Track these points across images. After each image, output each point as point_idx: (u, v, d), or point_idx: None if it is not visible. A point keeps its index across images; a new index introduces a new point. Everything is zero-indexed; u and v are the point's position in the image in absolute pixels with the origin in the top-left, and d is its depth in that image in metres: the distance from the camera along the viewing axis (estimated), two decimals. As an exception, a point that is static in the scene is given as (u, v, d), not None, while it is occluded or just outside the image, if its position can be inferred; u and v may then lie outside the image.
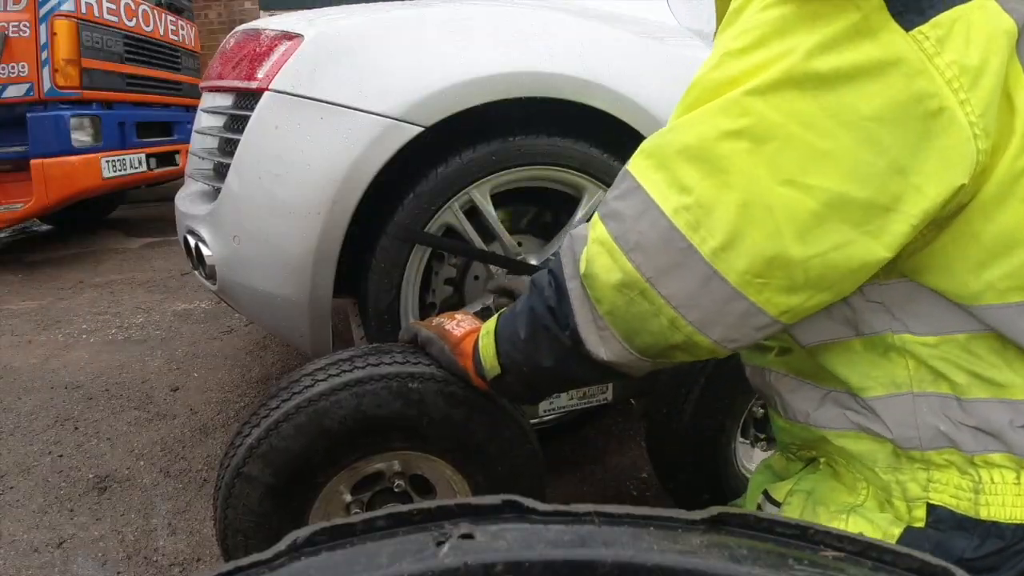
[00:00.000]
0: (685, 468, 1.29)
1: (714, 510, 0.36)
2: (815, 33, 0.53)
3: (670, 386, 1.27)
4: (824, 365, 0.68)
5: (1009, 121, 0.55)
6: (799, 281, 0.56)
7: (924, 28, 0.52)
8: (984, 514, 0.60)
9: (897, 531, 0.64)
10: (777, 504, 0.76)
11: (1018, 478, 0.61)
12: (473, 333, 0.87)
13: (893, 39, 0.52)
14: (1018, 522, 0.60)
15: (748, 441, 1.36)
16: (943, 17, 0.52)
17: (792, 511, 0.73)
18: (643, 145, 0.63)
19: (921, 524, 0.63)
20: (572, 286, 0.67)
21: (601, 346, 0.67)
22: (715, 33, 0.74)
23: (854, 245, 0.55)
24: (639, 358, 0.67)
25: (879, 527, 0.65)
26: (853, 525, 0.66)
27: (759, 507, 0.80)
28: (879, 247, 0.55)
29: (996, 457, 0.61)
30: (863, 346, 0.65)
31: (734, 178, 0.55)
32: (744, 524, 0.36)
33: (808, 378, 0.72)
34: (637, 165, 0.62)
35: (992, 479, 0.61)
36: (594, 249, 0.64)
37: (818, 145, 0.53)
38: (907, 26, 0.52)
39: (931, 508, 0.63)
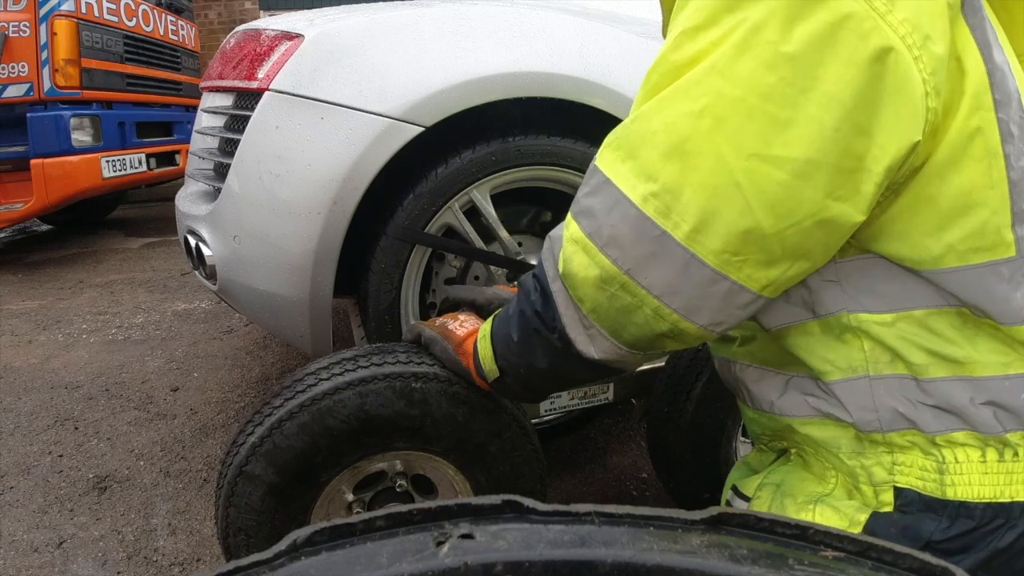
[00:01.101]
0: (685, 468, 1.29)
1: (714, 510, 0.36)
2: (764, 3, 0.53)
3: (670, 386, 1.27)
4: (787, 349, 0.68)
5: (960, 83, 0.55)
6: (776, 253, 0.57)
7: None
8: (951, 494, 0.60)
9: (863, 517, 0.63)
10: (747, 499, 0.76)
11: (983, 456, 0.60)
12: (475, 333, 0.87)
13: (843, 1, 0.52)
14: (987, 500, 0.59)
15: (748, 441, 1.36)
16: None
17: (760, 505, 0.73)
18: (608, 138, 0.63)
19: (889, 508, 0.63)
20: (555, 287, 0.67)
21: (590, 345, 0.67)
22: (663, 26, 0.75)
23: (827, 211, 0.55)
24: (630, 352, 0.67)
25: (845, 515, 0.64)
26: (820, 515, 0.65)
27: (727, 503, 0.80)
28: (852, 210, 0.55)
29: (959, 436, 0.60)
30: (820, 328, 0.65)
31: (699, 159, 0.55)
32: (744, 524, 0.36)
33: (771, 366, 0.72)
34: (604, 159, 0.62)
35: (956, 458, 0.60)
36: (570, 248, 0.64)
37: (779, 115, 0.53)
38: None
39: (898, 491, 0.62)
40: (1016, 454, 0.59)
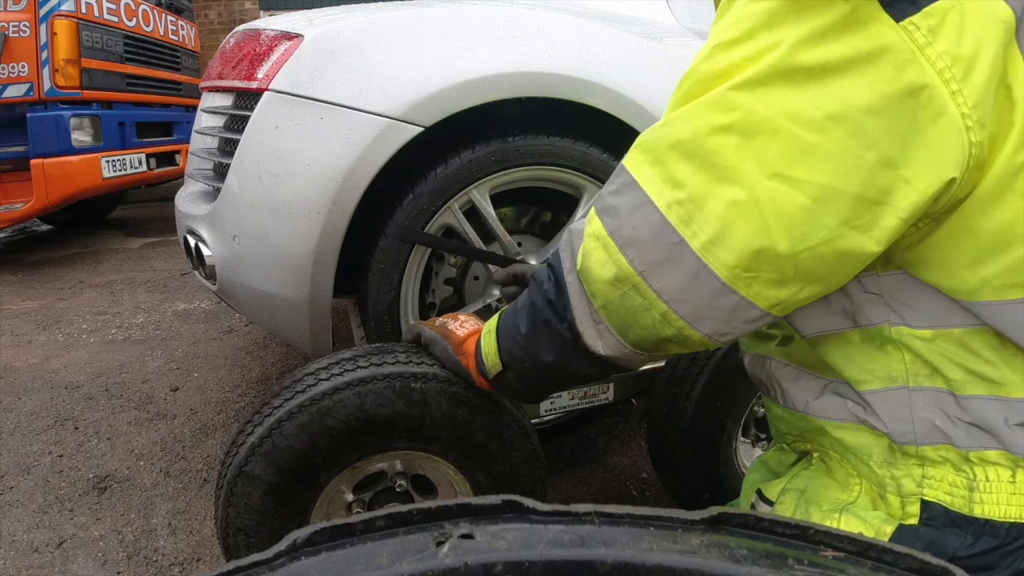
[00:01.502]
0: (685, 468, 1.29)
1: (714, 510, 0.36)
2: (803, 25, 0.53)
3: (670, 386, 1.27)
4: (823, 357, 0.68)
5: (1008, 114, 0.54)
6: (788, 275, 0.57)
7: (915, 18, 0.51)
8: (978, 512, 0.60)
9: (890, 529, 0.64)
10: (771, 503, 0.76)
11: (1013, 476, 0.60)
12: (475, 333, 0.88)
13: (882, 30, 0.51)
14: (1013, 520, 0.59)
15: (749, 441, 1.36)
16: (935, 7, 0.51)
17: (784, 510, 0.73)
18: (639, 139, 0.63)
19: (915, 521, 0.63)
20: (570, 280, 0.68)
21: (597, 339, 0.68)
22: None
23: (843, 239, 0.55)
24: (634, 351, 0.68)
25: (872, 525, 0.64)
26: (846, 524, 0.65)
27: (753, 506, 0.80)
28: (868, 241, 0.55)
29: (991, 454, 0.60)
30: (861, 338, 0.65)
31: (724, 172, 0.55)
32: (744, 524, 0.36)
33: (809, 368, 0.72)
34: (633, 160, 0.62)
35: (987, 477, 0.60)
36: (590, 244, 0.64)
37: (806, 139, 0.53)
38: (898, 16, 0.51)
39: (925, 504, 0.63)
40: None
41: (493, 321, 0.83)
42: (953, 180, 0.53)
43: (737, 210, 0.55)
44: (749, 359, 0.83)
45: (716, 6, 0.74)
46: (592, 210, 0.66)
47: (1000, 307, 0.57)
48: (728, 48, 0.57)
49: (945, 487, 0.62)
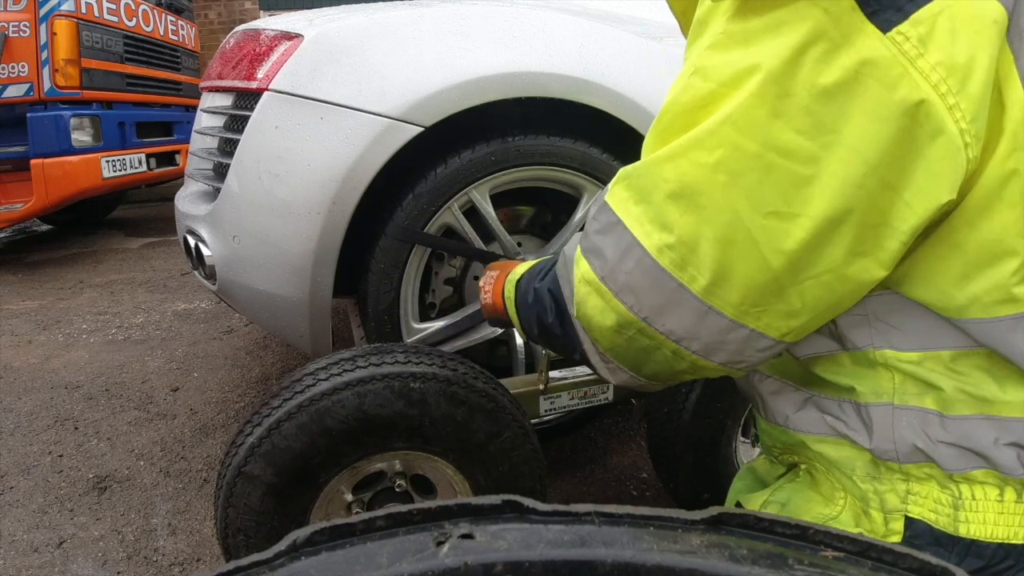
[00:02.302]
0: (685, 468, 1.29)
1: (714, 510, 0.36)
2: (782, 46, 0.49)
3: (670, 386, 1.27)
4: (815, 373, 0.67)
5: (998, 119, 0.50)
6: (796, 305, 0.55)
7: (903, 27, 0.47)
8: (963, 531, 0.58)
9: None
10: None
11: (1001, 495, 0.58)
12: (501, 283, 0.91)
13: (870, 43, 0.47)
14: (999, 541, 0.57)
15: (749, 441, 1.36)
16: (924, 12, 0.47)
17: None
18: (620, 174, 0.61)
19: (898, 538, 0.61)
20: (573, 318, 0.67)
21: (610, 375, 0.68)
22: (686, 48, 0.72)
23: (849, 267, 0.53)
24: (650, 383, 0.67)
25: None
26: None
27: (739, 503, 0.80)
28: (874, 266, 0.53)
29: (978, 474, 0.58)
30: (851, 360, 0.63)
31: (714, 214, 0.53)
32: (744, 524, 0.36)
33: (792, 380, 0.71)
34: (616, 197, 0.60)
35: (973, 495, 0.58)
36: (583, 290, 0.63)
37: (799, 172, 0.50)
38: (884, 27, 0.47)
39: (909, 522, 0.61)
40: None
41: (512, 289, 0.85)
42: (950, 201, 0.50)
43: (734, 251, 0.53)
44: None
45: (684, 32, 0.71)
46: (578, 249, 0.64)
47: (991, 324, 0.54)
48: (705, 76, 0.53)
49: (930, 504, 0.60)
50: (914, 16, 0.47)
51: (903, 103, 0.47)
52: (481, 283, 1.01)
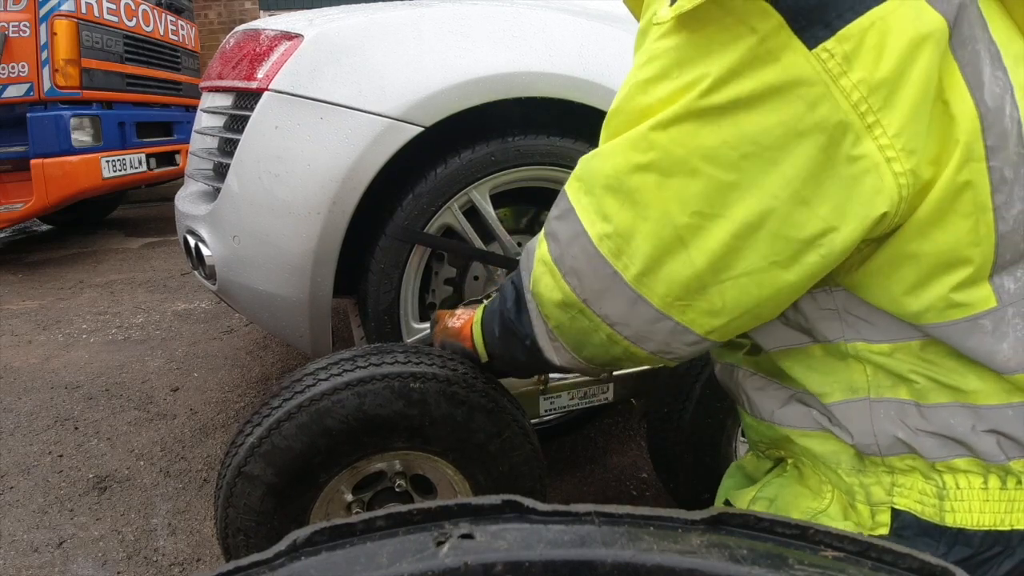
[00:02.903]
0: (685, 468, 1.29)
1: (714, 510, 0.36)
2: (713, 63, 0.51)
3: (670, 386, 1.27)
4: (785, 370, 0.67)
5: (948, 131, 0.50)
6: (717, 305, 0.58)
7: (829, 44, 0.47)
8: (949, 521, 0.58)
9: None
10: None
11: (985, 483, 0.58)
12: (469, 321, 0.95)
13: (795, 61, 0.48)
14: (986, 528, 0.58)
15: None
16: (852, 27, 0.47)
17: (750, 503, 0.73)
18: (578, 165, 0.65)
19: (885, 530, 0.61)
20: (528, 299, 0.72)
21: (555, 355, 0.73)
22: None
23: (764, 273, 0.55)
24: (588, 365, 0.72)
25: None
26: None
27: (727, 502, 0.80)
28: (788, 275, 0.55)
29: (961, 462, 0.58)
30: (823, 352, 0.64)
31: (647, 210, 0.57)
32: (744, 524, 0.36)
33: (775, 377, 0.71)
34: (572, 187, 0.64)
35: (957, 484, 0.59)
36: (539, 269, 0.68)
37: (722, 178, 0.53)
38: (811, 43, 0.47)
39: (895, 513, 0.61)
40: (1019, 482, 0.58)
41: (479, 314, 0.91)
42: (885, 215, 0.51)
43: (662, 245, 0.57)
44: (719, 368, 0.82)
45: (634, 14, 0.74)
46: (542, 232, 0.69)
47: (947, 328, 0.55)
48: (644, 88, 0.57)
49: (915, 495, 0.60)
50: (841, 32, 0.47)
51: (821, 123, 0.49)
52: (451, 322, 1.01)
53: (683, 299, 0.58)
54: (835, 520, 0.65)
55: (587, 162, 0.63)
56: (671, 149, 0.54)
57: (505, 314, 0.78)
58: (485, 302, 0.94)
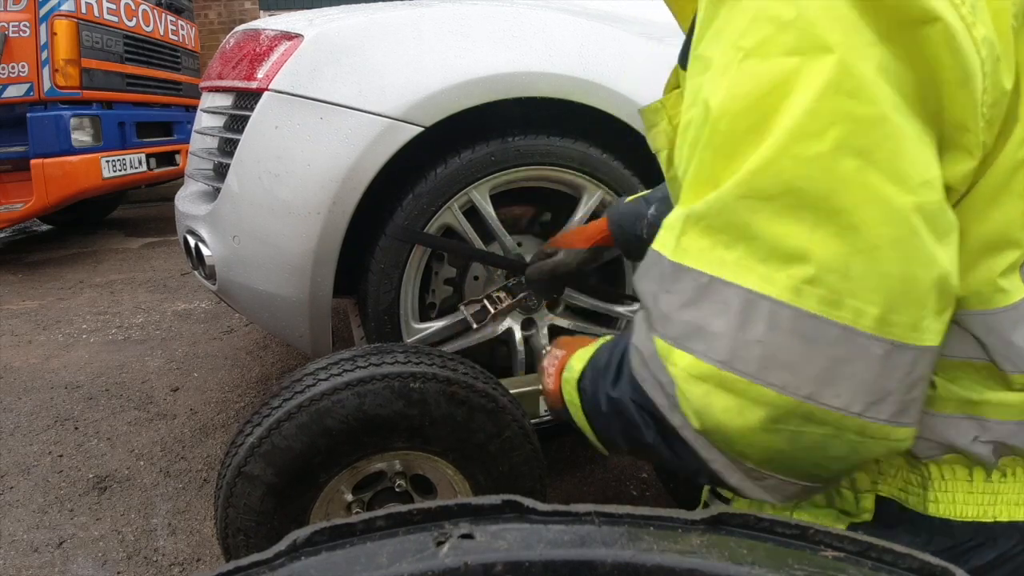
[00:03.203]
0: (685, 468, 1.29)
1: (714, 510, 0.36)
2: None
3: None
4: None
5: (1016, 105, 0.46)
6: (953, 292, 0.46)
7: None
8: (933, 511, 0.57)
9: (841, 527, 0.60)
10: (726, 500, 0.75)
11: (970, 474, 0.57)
12: (559, 375, 0.75)
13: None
14: (969, 520, 0.57)
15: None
16: None
17: (740, 505, 0.72)
18: (677, 223, 0.48)
19: (868, 516, 0.61)
20: (688, 436, 0.51)
21: (772, 494, 0.53)
22: (681, 55, 0.66)
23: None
24: (827, 487, 0.56)
25: (821, 524, 0.62)
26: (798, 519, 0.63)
27: (706, 504, 0.80)
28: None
29: (947, 457, 0.57)
30: None
31: (859, 213, 0.42)
32: (744, 524, 0.36)
33: None
34: (687, 250, 0.47)
35: (943, 475, 0.57)
36: (697, 391, 0.48)
37: (906, 131, 0.43)
38: None
39: (879, 500, 0.60)
40: (1004, 475, 0.57)
41: (574, 395, 0.70)
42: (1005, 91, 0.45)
43: (899, 252, 0.42)
44: None
45: (683, 27, 0.67)
46: (656, 340, 0.50)
47: (992, 316, 0.52)
48: (764, 53, 0.44)
49: (900, 483, 0.60)
50: None
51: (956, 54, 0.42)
52: (544, 363, 0.82)
53: (936, 311, 0.44)
54: (819, 505, 0.65)
55: (709, 204, 0.46)
56: (857, 111, 0.41)
57: (640, 438, 0.57)
58: (566, 373, 0.71)
